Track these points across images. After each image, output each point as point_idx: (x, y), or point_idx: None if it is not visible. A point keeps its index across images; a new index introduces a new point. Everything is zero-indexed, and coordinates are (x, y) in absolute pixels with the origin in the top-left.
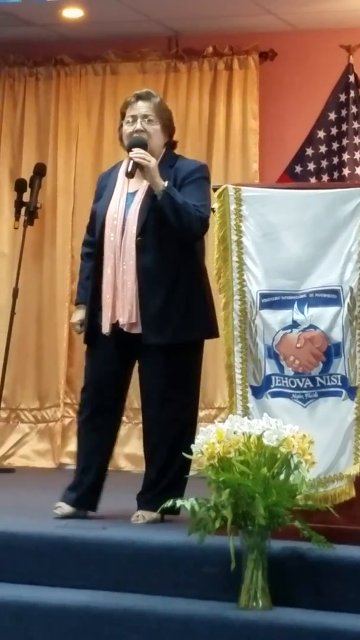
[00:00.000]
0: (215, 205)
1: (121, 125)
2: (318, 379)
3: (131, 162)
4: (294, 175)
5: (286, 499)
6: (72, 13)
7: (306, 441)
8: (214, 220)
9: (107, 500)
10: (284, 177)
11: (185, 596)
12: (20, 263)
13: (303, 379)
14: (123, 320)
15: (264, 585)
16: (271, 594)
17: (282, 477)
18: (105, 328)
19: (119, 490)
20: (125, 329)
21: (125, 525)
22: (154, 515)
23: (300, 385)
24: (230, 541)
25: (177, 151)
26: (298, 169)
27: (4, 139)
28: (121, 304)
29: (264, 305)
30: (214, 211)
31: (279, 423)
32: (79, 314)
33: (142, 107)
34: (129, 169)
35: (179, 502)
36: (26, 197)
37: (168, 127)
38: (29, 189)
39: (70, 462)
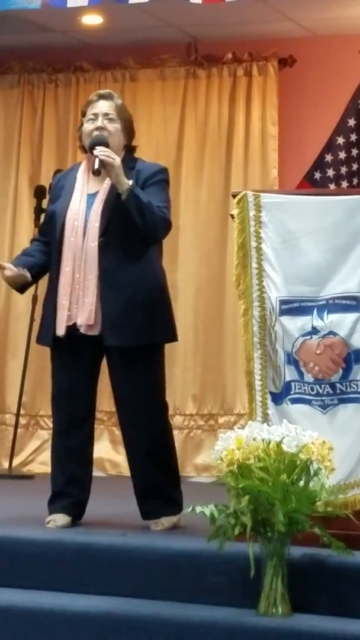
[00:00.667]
0: (234, 211)
1: (82, 125)
2: (338, 385)
3: (97, 159)
4: (313, 182)
5: (306, 506)
6: (92, 20)
7: (326, 447)
8: (233, 226)
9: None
10: (303, 183)
11: (205, 603)
12: None
13: (323, 386)
14: (81, 321)
15: (283, 592)
16: (291, 600)
17: (301, 483)
18: (60, 330)
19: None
20: (82, 330)
21: (144, 532)
22: (174, 519)
23: (320, 391)
24: (250, 548)
25: (193, 158)
26: (317, 175)
27: (23, 145)
28: (80, 305)
29: (283, 312)
30: (233, 217)
31: (299, 429)
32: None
33: (103, 105)
34: (96, 167)
35: (198, 509)
36: (45, 203)
37: (128, 129)
38: (48, 196)
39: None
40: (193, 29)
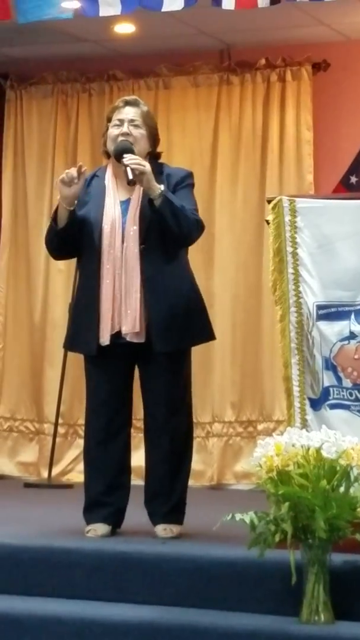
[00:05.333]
0: (269, 217)
1: (106, 130)
2: None
3: (128, 169)
4: (349, 186)
5: (346, 512)
6: (124, 28)
7: None
8: (269, 232)
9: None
10: (339, 187)
11: (247, 611)
12: (75, 279)
13: None
14: (126, 329)
15: (325, 599)
16: (333, 607)
17: (341, 489)
18: (105, 339)
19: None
20: (127, 339)
21: (184, 540)
22: (180, 528)
23: (359, 396)
24: (291, 555)
25: (227, 164)
26: (353, 179)
27: (57, 155)
28: (123, 313)
29: (320, 317)
30: (268, 223)
31: (338, 435)
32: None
33: (129, 112)
34: (130, 177)
35: (238, 516)
36: None
37: (153, 136)
38: None
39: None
40: (226, 36)
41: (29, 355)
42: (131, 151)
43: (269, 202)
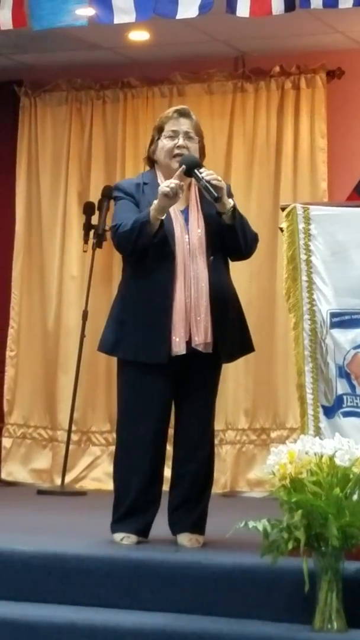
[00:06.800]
0: (283, 224)
1: (154, 139)
2: None
3: (209, 185)
4: None
5: (359, 519)
6: (138, 36)
7: None
8: (283, 239)
9: None
10: (353, 195)
11: (259, 618)
12: (89, 286)
13: None
14: (199, 339)
15: (338, 607)
16: (346, 615)
17: (355, 497)
18: (182, 348)
19: None
20: (200, 349)
21: (197, 548)
22: (203, 538)
23: None
24: (304, 562)
25: (241, 171)
26: None
27: (72, 162)
28: (194, 323)
29: (334, 325)
30: (282, 230)
31: (351, 443)
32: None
33: (184, 123)
34: (216, 194)
35: (251, 524)
36: (95, 220)
37: (202, 149)
38: (97, 212)
39: None
40: (240, 43)
41: (43, 362)
42: (199, 165)
43: (283, 209)
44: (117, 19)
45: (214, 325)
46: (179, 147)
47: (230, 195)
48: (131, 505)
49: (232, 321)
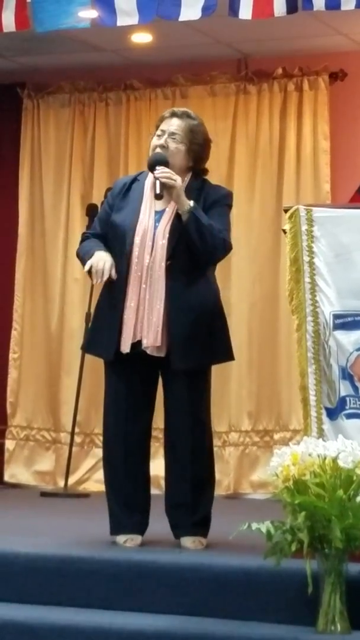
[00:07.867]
0: (286, 226)
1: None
2: None
3: (157, 182)
4: None
5: None
6: (141, 38)
7: None
8: (286, 241)
9: None
10: (356, 197)
11: (263, 620)
12: (92, 288)
13: None
14: (147, 342)
15: (342, 609)
16: (349, 617)
17: (358, 499)
18: (126, 347)
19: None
20: (148, 352)
21: (200, 550)
22: (205, 541)
23: None
24: (307, 564)
25: (244, 173)
26: None
27: (75, 164)
28: (145, 325)
29: (337, 326)
30: (285, 232)
31: (355, 445)
32: (102, 254)
33: (173, 124)
34: (158, 191)
35: (255, 526)
36: None
37: (194, 152)
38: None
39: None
40: (243, 45)
41: (46, 364)
42: (165, 163)
43: (286, 211)
44: (120, 21)
45: (169, 329)
46: (159, 146)
47: (227, 204)
48: (116, 504)
49: (193, 329)
